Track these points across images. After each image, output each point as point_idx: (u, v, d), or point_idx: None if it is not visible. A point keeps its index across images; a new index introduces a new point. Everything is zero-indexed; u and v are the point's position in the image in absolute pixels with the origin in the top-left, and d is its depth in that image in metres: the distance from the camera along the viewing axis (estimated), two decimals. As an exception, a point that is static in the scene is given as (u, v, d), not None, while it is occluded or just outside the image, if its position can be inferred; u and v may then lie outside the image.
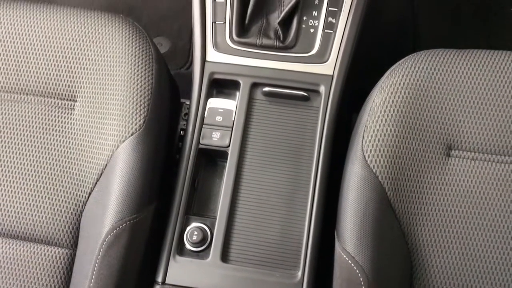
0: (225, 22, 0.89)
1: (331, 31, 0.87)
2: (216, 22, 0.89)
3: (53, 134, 0.81)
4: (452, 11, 1.41)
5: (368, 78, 0.85)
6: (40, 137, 0.81)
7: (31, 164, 0.80)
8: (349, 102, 0.96)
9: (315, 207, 0.80)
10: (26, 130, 0.81)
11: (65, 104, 0.82)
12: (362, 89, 0.86)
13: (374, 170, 0.74)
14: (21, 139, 0.81)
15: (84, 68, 0.81)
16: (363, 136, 0.76)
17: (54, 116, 0.81)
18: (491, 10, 1.41)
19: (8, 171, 0.80)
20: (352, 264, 0.70)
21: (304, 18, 0.88)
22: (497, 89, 0.77)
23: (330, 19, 0.87)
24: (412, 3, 1.41)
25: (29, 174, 0.79)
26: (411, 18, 1.40)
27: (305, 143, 0.84)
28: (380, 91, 0.78)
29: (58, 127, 0.81)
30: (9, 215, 0.78)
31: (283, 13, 0.86)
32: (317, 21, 0.87)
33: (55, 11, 0.84)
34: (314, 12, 0.88)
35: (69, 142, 0.80)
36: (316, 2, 0.88)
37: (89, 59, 0.81)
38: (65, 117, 0.81)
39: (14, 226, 0.78)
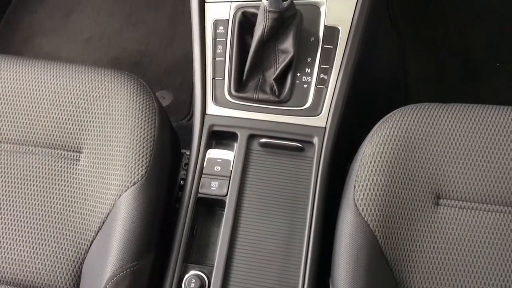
0: (224, 78, 0.94)
1: (323, 87, 0.92)
2: (216, 78, 0.94)
3: (58, 184, 0.84)
4: (441, 65, 1.48)
5: (363, 128, 0.90)
6: (46, 187, 0.84)
7: (35, 213, 0.83)
8: (345, 151, 1.00)
9: (310, 255, 0.82)
10: (33, 180, 0.85)
11: (71, 156, 0.86)
12: (357, 139, 0.90)
13: (365, 218, 0.76)
14: (27, 188, 0.84)
15: (90, 121, 0.86)
16: (355, 186, 0.79)
17: (60, 167, 0.85)
18: (479, 65, 1.48)
19: (12, 219, 0.83)
20: None
21: (298, 74, 0.93)
22: (482, 141, 0.81)
23: (322, 75, 0.92)
24: (403, 59, 1.48)
25: (32, 223, 0.82)
26: (402, 73, 1.47)
27: (300, 192, 0.87)
28: (370, 142, 0.82)
29: (64, 177, 0.85)
30: (11, 263, 0.81)
31: (278, 70, 0.91)
32: (310, 77, 0.93)
33: (64, 69, 0.90)
34: (307, 69, 0.93)
35: (73, 191, 0.84)
36: (309, 59, 0.93)
37: (95, 113, 0.86)
38: (70, 168, 0.85)
39: (16, 274, 0.80)
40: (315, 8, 0.94)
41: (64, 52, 1.55)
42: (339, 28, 0.93)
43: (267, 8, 0.84)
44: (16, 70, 0.90)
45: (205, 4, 0.97)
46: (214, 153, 0.90)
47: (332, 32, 0.93)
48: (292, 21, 0.89)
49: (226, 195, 0.87)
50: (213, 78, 0.94)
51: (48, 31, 1.60)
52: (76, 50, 1.56)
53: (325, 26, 0.93)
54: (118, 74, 0.90)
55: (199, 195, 0.87)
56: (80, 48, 1.56)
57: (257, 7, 0.90)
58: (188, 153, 0.94)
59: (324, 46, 0.93)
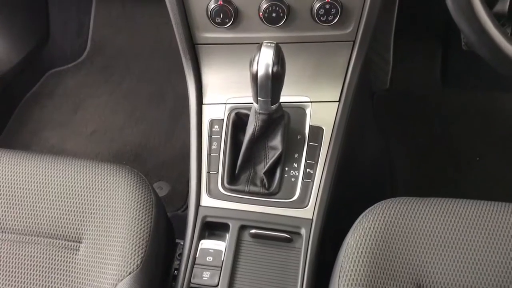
0: (218, 172, 1.01)
1: (310, 180, 0.99)
2: (210, 172, 1.01)
3: (57, 273, 0.88)
4: (424, 160, 1.57)
5: (350, 218, 0.95)
6: (45, 275, 0.88)
7: (33, 302, 0.85)
8: (334, 242, 1.04)
9: None
10: (33, 269, 0.88)
11: (71, 245, 0.90)
12: (346, 229, 0.95)
13: None
14: (27, 277, 0.88)
15: (91, 213, 0.92)
16: (339, 276, 0.83)
17: (60, 256, 0.89)
18: (461, 159, 1.56)
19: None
20: None
21: (286, 168, 1.00)
22: (460, 234, 0.85)
23: (308, 170, 1.00)
24: (387, 152, 1.57)
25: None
26: (387, 165, 1.55)
27: (289, 281, 0.90)
28: (353, 234, 0.87)
29: (63, 266, 0.88)
30: None
31: (268, 165, 0.98)
32: (297, 171, 1.00)
33: (69, 163, 0.96)
34: (294, 164, 1.01)
35: (72, 280, 0.87)
36: (296, 155, 1.01)
37: (96, 205, 0.92)
38: (70, 257, 0.89)
39: None
40: (301, 110, 1.04)
41: (69, 145, 1.64)
42: (323, 127, 1.02)
43: (258, 110, 0.93)
44: (24, 164, 0.96)
45: (203, 105, 1.07)
46: (206, 244, 0.95)
47: (316, 131, 1.02)
48: (280, 121, 0.97)
49: (217, 285, 0.90)
50: (208, 172, 1.01)
51: (55, 125, 1.70)
52: (80, 144, 1.65)
53: (310, 126, 1.02)
54: (119, 168, 0.96)
55: (191, 285, 0.90)
56: (84, 141, 1.65)
57: (249, 109, 0.99)
58: (182, 243, 0.98)
59: (310, 143, 1.01)
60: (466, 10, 0.66)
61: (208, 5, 0.92)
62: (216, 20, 0.93)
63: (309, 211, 0.96)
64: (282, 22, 0.93)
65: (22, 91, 1.79)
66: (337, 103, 1.04)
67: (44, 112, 1.74)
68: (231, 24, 0.94)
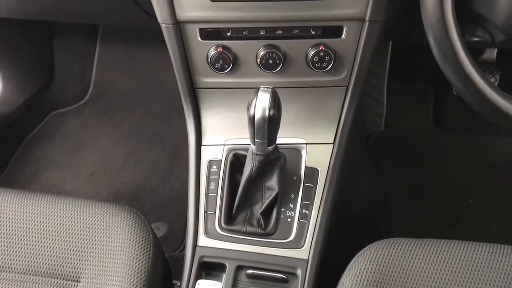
0: (215, 212, 1.03)
1: (305, 221, 1.00)
2: (208, 212, 1.03)
3: (54, 313, 0.88)
4: (419, 201, 1.59)
5: (344, 260, 0.96)
6: (42, 315, 0.88)
7: None
8: (329, 282, 1.04)
9: None
10: (30, 309, 0.89)
11: (69, 285, 0.91)
12: (342, 269, 0.96)
13: None
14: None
15: (90, 252, 0.93)
16: (335, 316, 0.84)
17: (58, 296, 0.90)
18: (455, 201, 1.58)
19: None
20: None
21: (282, 209, 1.02)
22: (454, 275, 0.86)
23: (304, 210, 1.01)
24: (383, 193, 1.59)
25: None
26: (383, 205, 1.57)
27: (285, 323, 0.91)
28: (348, 274, 0.88)
29: (60, 306, 0.89)
30: None
31: (264, 205, 1.00)
32: (293, 212, 1.02)
33: (69, 203, 0.98)
34: (290, 204, 1.02)
35: (68, 320, 0.87)
36: (292, 196, 1.03)
37: (95, 244, 0.93)
38: (67, 297, 0.90)
39: None
40: (297, 152, 1.07)
41: (68, 185, 1.66)
42: (318, 169, 1.05)
43: (255, 151, 0.95)
44: (24, 204, 0.98)
45: (202, 146, 1.10)
46: (203, 284, 0.95)
47: (312, 172, 1.04)
48: (276, 162, 1.00)
49: None
50: (206, 212, 1.03)
51: (56, 165, 1.73)
52: (80, 184, 1.67)
53: (306, 167, 1.05)
54: (118, 208, 0.98)
55: None
56: (84, 182, 1.67)
57: (246, 150, 1.01)
58: (179, 284, 0.98)
59: (305, 184, 1.03)
60: (451, 58, 0.70)
61: (208, 52, 0.97)
62: (216, 66, 0.98)
63: (305, 252, 0.98)
64: (279, 68, 0.98)
65: (24, 132, 1.82)
66: (332, 145, 1.07)
67: (45, 152, 1.77)
68: (230, 70, 0.98)
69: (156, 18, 0.95)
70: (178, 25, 0.94)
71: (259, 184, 1.01)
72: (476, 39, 0.95)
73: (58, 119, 1.89)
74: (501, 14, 0.81)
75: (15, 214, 0.96)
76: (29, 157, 1.76)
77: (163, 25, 0.94)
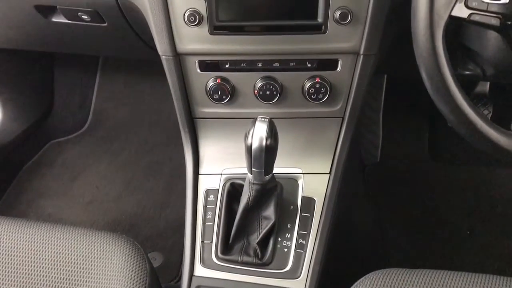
0: (212, 241, 1.03)
1: (302, 251, 1.00)
2: (204, 241, 1.03)
3: None
4: (416, 231, 1.59)
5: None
6: None
7: None
8: None
9: None
10: None
11: None
12: None
13: None
14: None
15: (86, 281, 0.92)
16: None
17: (52, 325, 0.89)
18: (451, 232, 1.59)
19: None
20: None
21: (279, 239, 1.02)
22: None
23: (300, 240, 1.02)
24: (380, 223, 1.60)
25: None
26: (379, 236, 1.57)
27: None
28: (345, 304, 0.88)
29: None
30: None
31: (261, 235, 1.00)
32: (289, 242, 1.02)
33: (66, 231, 0.98)
34: (287, 234, 1.03)
35: None
36: (289, 226, 1.03)
37: (92, 273, 0.92)
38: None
39: None
40: (294, 181, 1.08)
41: (65, 214, 1.66)
42: (315, 198, 1.06)
43: (252, 180, 0.96)
44: (21, 232, 0.97)
45: (199, 176, 1.11)
46: (199, 315, 0.95)
47: (308, 202, 1.05)
48: (273, 191, 1.01)
49: None
50: (202, 241, 1.03)
51: (53, 194, 1.73)
52: (77, 213, 1.66)
53: (303, 197, 1.06)
54: (115, 237, 0.98)
55: None
56: (81, 211, 1.67)
57: (243, 179, 1.02)
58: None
59: (302, 214, 1.04)
60: (443, 91, 0.72)
61: (207, 83, 0.99)
62: (214, 97, 1.00)
63: (302, 282, 0.97)
64: (276, 99, 1.00)
65: (23, 160, 1.83)
66: (328, 175, 1.08)
67: (43, 181, 1.78)
68: (228, 100, 1.00)
69: (156, 50, 0.98)
70: (178, 57, 0.97)
71: (255, 213, 1.02)
72: (468, 72, 0.98)
73: (56, 148, 1.90)
74: (490, 50, 0.84)
75: (11, 243, 0.96)
76: (27, 186, 1.76)
77: (163, 57, 0.97)
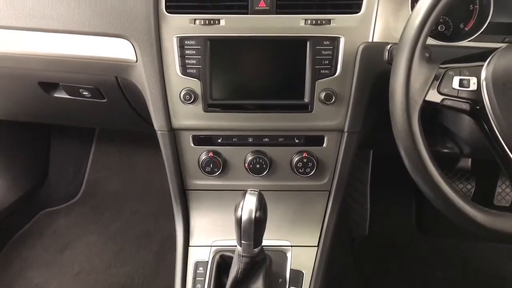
0: None
1: None
2: None
3: None
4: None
5: None
6: None
7: None
8: None
9: None
10: None
11: None
12: None
13: None
14: None
15: None
16: None
17: None
18: None
19: None
20: None
21: None
22: None
23: None
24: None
25: None
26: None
27: None
28: None
29: None
30: None
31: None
32: None
33: None
34: None
35: None
36: None
37: None
38: None
39: None
40: (282, 254, 1.09)
41: (53, 285, 1.62)
42: (303, 271, 1.07)
43: (241, 253, 0.97)
44: None
45: (189, 247, 1.12)
46: None
47: (297, 275, 1.06)
48: (262, 264, 1.01)
49: None
50: None
51: (41, 265, 1.70)
52: (65, 284, 1.63)
53: (291, 270, 1.07)
54: None
55: None
56: (69, 281, 1.64)
57: (233, 251, 1.03)
58: None
59: (291, 287, 1.05)
60: (420, 169, 0.77)
61: (200, 156, 1.04)
62: (206, 170, 1.04)
63: None
64: (265, 173, 1.04)
65: (13, 230, 1.82)
66: (316, 247, 1.10)
67: (31, 251, 1.76)
68: (219, 173, 1.05)
69: (152, 125, 1.03)
70: (173, 132, 1.02)
71: (244, 286, 1.02)
72: (446, 150, 1.04)
73: (48, 217, 1.90)
74: (465, 130, 0.90)
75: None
76: (15, 255, 1.74)
77: (159, 132, 1.02)
